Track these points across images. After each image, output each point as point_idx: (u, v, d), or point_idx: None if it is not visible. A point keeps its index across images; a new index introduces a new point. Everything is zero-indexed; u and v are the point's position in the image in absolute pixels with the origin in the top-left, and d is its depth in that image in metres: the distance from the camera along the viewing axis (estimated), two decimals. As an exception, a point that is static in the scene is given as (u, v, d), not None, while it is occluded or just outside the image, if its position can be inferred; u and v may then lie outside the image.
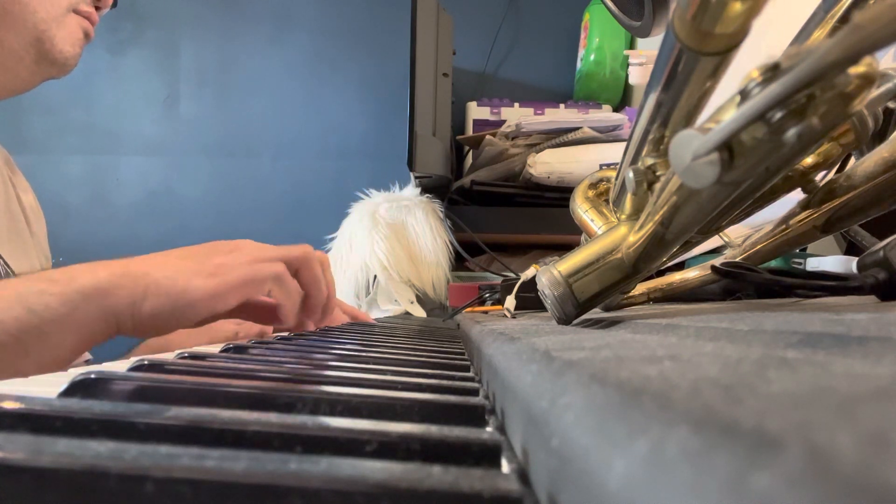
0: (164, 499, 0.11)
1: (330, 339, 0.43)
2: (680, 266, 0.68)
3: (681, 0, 0.20)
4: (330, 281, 0.54)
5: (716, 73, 0.22)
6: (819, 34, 0.26)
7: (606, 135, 1.30)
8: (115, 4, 0.65)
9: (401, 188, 1.37)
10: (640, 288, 0.49)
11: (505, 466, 0.14)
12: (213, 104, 1.85)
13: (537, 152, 1.28)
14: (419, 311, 1.22)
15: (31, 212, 0.69)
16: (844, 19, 0.26)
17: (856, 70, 0.16)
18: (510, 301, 0.60)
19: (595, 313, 0.44)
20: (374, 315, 1.19)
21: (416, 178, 1.28)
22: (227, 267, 0.45)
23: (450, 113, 1.33)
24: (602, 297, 0.33)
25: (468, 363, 0.33)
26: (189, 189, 1.84)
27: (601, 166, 1.21)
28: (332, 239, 1.34)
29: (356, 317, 0.74)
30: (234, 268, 0.45)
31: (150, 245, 1.98)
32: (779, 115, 0.17)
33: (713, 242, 0.59)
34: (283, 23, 1.85)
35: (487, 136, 1.32)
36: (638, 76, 1.25)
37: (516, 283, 0.64)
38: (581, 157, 1.26)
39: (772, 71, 0.16)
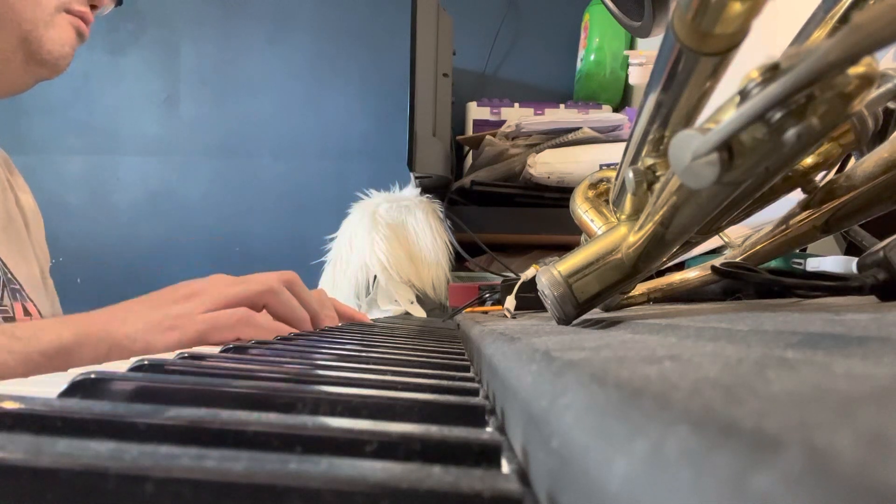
0: (164, 499, 0.11)
1: (330, 340, 0.43)
2: (680, 266, 0.68)
3: (681, 0, 0.20)
4: (306, 299, 0.53)
5: (715, 73, 0.22)
6: (819, 34, 0.26)
7: (606, 135, 1.30)
8: (119, 3, 0.65)
9: (401, 188, 1.37)
10: (640, 288, 0.49)
11: (505, 466, 0.14)
12: (213, 104, 1.85)
13: (537, 152, 1.28)
14: (419, 311, 1.22)
15: (29, 213, 0.69)
16: (844, 19, 0.26)
17: (855, 70, 0.16)
18: (510, 301, 0.60)
19: (595, 313, 0.44)
20: (374, 315, 1.19)
21: (416, 178, 1.28)
22: (186, 318, 0.45)
23: (450, 113, 1.33)
24: (602, 297, 0.33)
25: (468, 363, 0.33)
26: (189, 189, 1.84)
27: (601, 166, 1.21)
28: (332, 239, 1.34)
29: (353, 318, 0.73)
30: (193, 319, 0.45)
31: (150, 245, 1.97)
32: (778, 115, 0.17)
33: (713, 242, 0.59)
34: (283, 23, 1.85)
35: (487, 137, 1.32)
36: (638, 76, 1.25)
37: (516, 283, 0.64)
38: (581, 158, 1.26)
39: (771, 71, 0.16)
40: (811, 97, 0.16)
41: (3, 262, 0.60)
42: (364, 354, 0.33)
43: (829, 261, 0.56)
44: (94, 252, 1.78)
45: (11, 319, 0.57)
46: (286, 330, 0.48)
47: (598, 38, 1.62)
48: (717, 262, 0.38)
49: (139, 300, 0.48)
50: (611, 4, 0.29)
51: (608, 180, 0.41)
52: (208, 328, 0.45)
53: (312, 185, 1.84)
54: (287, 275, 0.53)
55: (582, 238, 0.41)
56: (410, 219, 1.25)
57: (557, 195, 1.28)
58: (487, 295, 1.00)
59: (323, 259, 1.35)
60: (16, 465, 0.11)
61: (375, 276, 1.23)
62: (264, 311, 0.50)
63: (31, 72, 0.59)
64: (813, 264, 0.56)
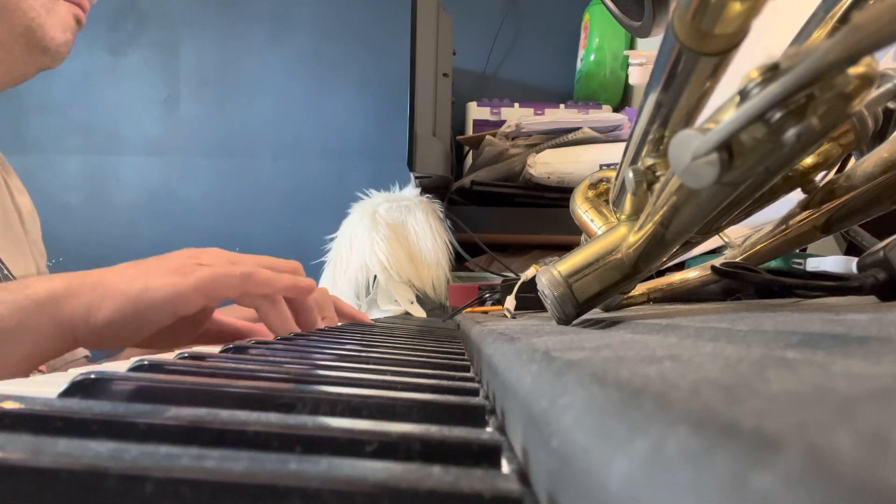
0: (164, 499, 0.11)
1: (330, 340, 0.43)
2: (680, 266, 0.68)
3: (681, 0, 0.20)
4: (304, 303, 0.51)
5: (715, 73, 0.22)
6: (819, 34, 0.26)
7: (606, 135, 1.30)
8: None
9: (401, 188, 1.37)
10: (640, 288, 0.49)
11: (505, 467, 0.14)
12: (213, 104, 1.85)
13: (537, 152, 1.28)
14: (419, 311, 1.22)
15: (25, 213, 0.69)
16: (844, 19, 0.26)
17: (855, 70, 0.16)
18: (510, 301, 0.60)
19: (595, 313, 0.44)
20: (374, 315, 1.19)
21: (416, 178, 1.28)
22: (189, 267, 0.43)
23: (450, 113, 1.33)
24: (602, 297, 0.33)
25: (468, 363, 0.33)
26: (189, 189, 1.84)
27: (601, 166, 1.21)
28: (332, 239, 1.34)
29: (354, 317, 0.73)
30: (196, 269, 0.42)
31: (150, 245, 1.97)
32: (778, 115, 0.17)
33: (713, 242, 0.59)
34: (283, 23, 1.85)
35: (487, 137, 1.32)
36: (638, 76, 1.25)
37: (516, 283, 0.64)
38: (581, 158, 1.26)
39: (771, 71, 0.16)
40: (811, 97, 0.16)
41: (1, 260, 0.60)
42: (364, 354, 0.33)
43: (829, 261, 0.56)
44: (94, 252, 1.77)
45: None
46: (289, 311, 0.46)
47: (598, 38, 1.62)
48: (717, 262, 0.38)
49: (132, 262, 0.46)
50: (611, 4, 0.29)
51: (608, 180, 0.41)
52: (210, 279, 0.42)
53: (312, 185, 1.84)
54: (293, 264, 0.52)
55: (582, 238, 0.41)
56: (410, 219, 1.25)
57: (557, 195, 1.28)
58: (487, 295, 1.00)
59: (323, 259, 1.35)
60: (16, 465, 0.11)
61: (375, 276, 1.23)
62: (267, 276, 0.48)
63: (32, 61, 0.59)
64: (813, 264, 0.56)
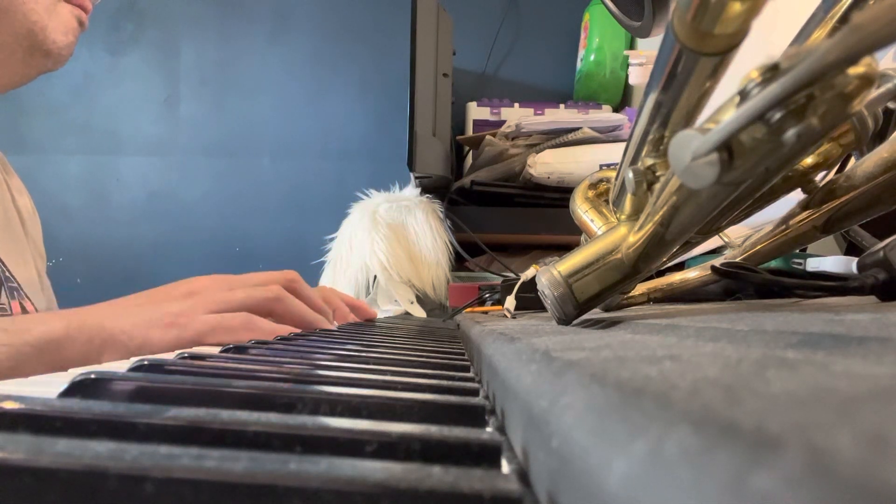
0: (164, 499, 0.11)
1: (330, 340, 0.43)
2: (680, 266, 0.68)
3: (680, 0, 0.20)
4: (310, 298, 0.53)
5: (715, 74, 0.22)
6: (819, 34, 0.26)
7: (606, 135, 1.30)
8: None
9: (401, 188, 1.37)
10: (640, 288, 0.49)
11: (505, 467, 0.14)
12: (213, 104, 1.85)
13: (537, 152, 1.28)
14: (419, 311, 1.22)
15: (26, 214, 0.69)
16: (844, 19, 0.26)
17: (855, 70, 0.16)
18: (510, 301, 0.60)
19: (595, 313, 0.44)
20: (374, 315, 1.19)
21: (416, 178, 1.28)
22: (186, 317, 0.43)
23: (450, 113, 1.33)
24: (602, 297, 0.33)
25: (468, 363, 0.33)
26: (189, 189, 1.84)
27: (601, 166, 1.21)
28: (332, 239, 1.34)
29: (357, 308, 0.73)
30: (194, 319, 0.43)
31: (150, 245, 1.96)
32: (778, 115, 0.17)
33: (713, 242, 0.59)
34: (283, 23, 1.85)
35: (487, 137, 1.32)
36: (638, 76, 1.25)
37: (516, 283, 0.64)
38: (581, 158, 1.26)
39: (771, 71, 0.16)
40: (811, 97, 0.16)
41: (1, 260, 0.60)
42: (364, 354, 0.33)
43: (829, 261, 0.56)
44: (94, 252, 1.78)
45: None
46: (287, 332, 0.48)
47: (598, 38, 1.62)
48: (717, 262, 0.38)
49: (135, 296, 0.47)
50: (611, 4, 0.29)
51: (608, 180, 0.41)
52: (209, 329, 0.43)
53: (312, 185, 1.84)
54: (289, 275, 0.52)
55: (582, 238, 0.41)
56: (410, 219, 1.25)
57: (557, 195, 1.28)
58: (487, 295, 1.00)
59: (323, 259, 1.35)
60: (16, 465, 0.11)
61: (375, 277, 1.23)
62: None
63: (34, 63, 0.58)
64: (813, 264, 0.56)
